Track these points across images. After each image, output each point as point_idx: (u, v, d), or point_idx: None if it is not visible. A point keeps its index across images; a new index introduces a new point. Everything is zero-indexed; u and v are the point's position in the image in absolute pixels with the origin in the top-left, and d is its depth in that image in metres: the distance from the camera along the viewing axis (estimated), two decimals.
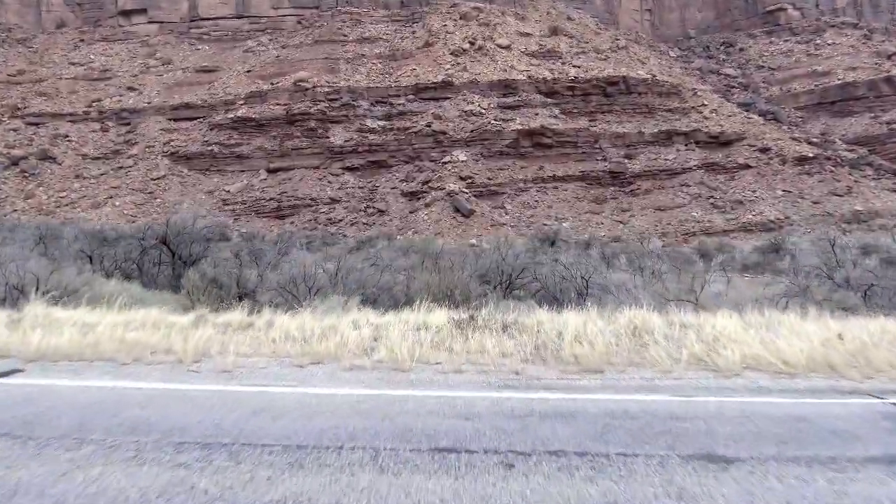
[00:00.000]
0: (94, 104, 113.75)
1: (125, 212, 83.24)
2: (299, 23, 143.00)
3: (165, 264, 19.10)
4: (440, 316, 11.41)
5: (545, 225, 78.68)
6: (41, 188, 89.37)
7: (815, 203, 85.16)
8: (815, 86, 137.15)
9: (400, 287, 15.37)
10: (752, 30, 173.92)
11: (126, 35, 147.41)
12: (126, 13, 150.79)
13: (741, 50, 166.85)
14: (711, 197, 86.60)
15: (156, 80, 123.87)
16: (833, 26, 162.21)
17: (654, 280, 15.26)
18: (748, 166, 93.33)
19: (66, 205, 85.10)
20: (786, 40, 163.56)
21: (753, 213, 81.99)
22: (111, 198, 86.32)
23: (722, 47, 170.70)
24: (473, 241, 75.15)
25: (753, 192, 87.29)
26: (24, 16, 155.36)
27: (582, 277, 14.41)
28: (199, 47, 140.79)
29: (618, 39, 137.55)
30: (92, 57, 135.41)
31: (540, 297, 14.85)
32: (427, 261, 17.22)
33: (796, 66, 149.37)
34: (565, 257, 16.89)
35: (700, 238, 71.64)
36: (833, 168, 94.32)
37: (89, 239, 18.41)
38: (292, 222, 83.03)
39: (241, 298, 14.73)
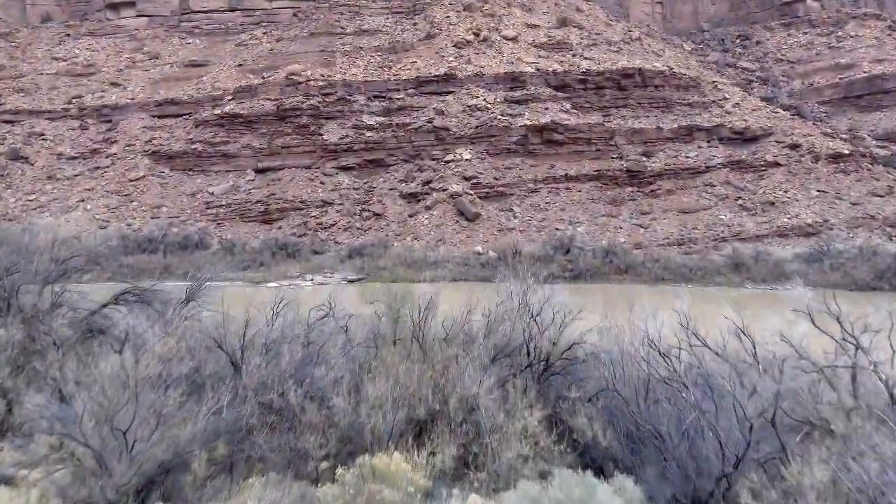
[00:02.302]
0: (74, 101, 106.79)
1: (97, 216, 76.00)
2: (295, 15, 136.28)
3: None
4: None
5: (558, 230, 71.27)
6: (9, 190, 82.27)
7: (854, 204, 77.34)
8: (840, 79, 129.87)
9: (342, 403, 7.96)
10: (769, 22, 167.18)
11: (114, 29, 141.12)
12: (114, 6, 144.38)
13: (758, 43, 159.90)
14: (739, 198, 78.92)
15: (142, 75, 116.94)
16: (855, 18, 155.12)
17: None
18: (777, 164, 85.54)
19: (35, 209, 77.95)
20: (805, 32, 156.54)
21: (788, 215, 74.24)
22: (83, 201, 79.10)
23: (738, 40, 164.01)
24: (479, 248, 67.84)
25: (785, 192, 79.53)
26: (8, 9, 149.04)
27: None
28: (190, 41, 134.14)
29: (631, 31, 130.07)
30: (76, 52, 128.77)
31: (624, 432, 7.35)
32: (402, 325, 10.07)
33: (818, 59, 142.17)
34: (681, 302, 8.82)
35: (732, 244, 64.16)
36: (870, 166, 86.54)
37: None
38: (280, 227, 75.76)
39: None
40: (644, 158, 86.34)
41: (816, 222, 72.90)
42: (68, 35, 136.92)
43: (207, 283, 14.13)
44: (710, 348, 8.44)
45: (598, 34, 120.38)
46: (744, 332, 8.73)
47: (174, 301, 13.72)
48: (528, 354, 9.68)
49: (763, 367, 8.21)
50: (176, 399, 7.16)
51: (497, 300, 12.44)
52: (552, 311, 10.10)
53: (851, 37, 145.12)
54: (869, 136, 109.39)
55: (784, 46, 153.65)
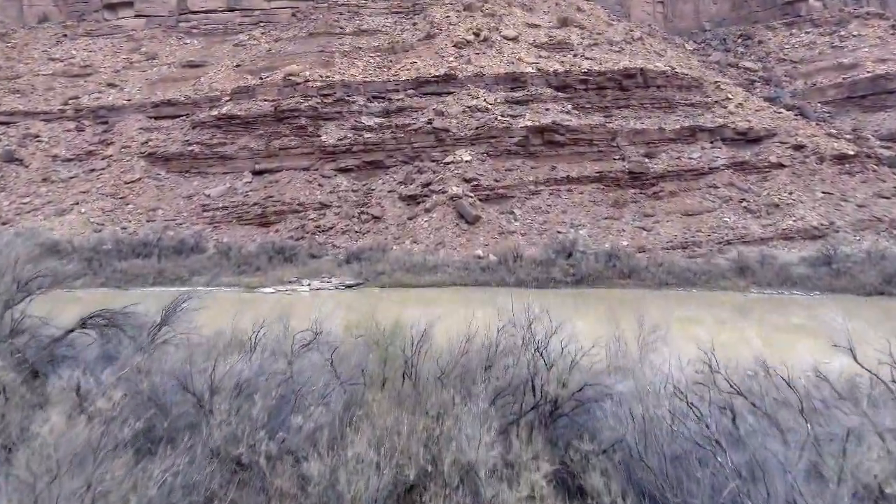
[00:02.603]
0: (70, 102, 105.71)
1: (92, 219, 74.91)
2: (294, 15, 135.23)
3: None
4: None
5: (559, 233, 70.18)
6: (3, 193, 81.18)
7: (860, 206, 76.19)
8: (843, 79, 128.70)
9: (317, 467, 6.88)
10: (771, 21, 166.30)
11: (112, 29, 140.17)
12: (112, 6, 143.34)
13: (760, 42, 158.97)
14: (744, 200, 77.76)
15: (139, 76, 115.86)
16: (857, 17, 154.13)
17: None
18: (782, 165, 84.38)
19: (29, 212, 76.85)
20: (807, 32, 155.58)
21: (794, 218, 73.08)
22: (77, 204, 77.99)
23: (739, 40, 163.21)
24: (479, 251, 66.75)
25: (790, 193, 78.37)
26: (5, 10, 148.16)
27: None
28: (188, 42, 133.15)
29: (632, 31, 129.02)
30: (73, 52, 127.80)
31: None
32: (391, 363, 8.95)
33: (820, 59, 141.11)
34: None
35: (737, 247, 63.03)
36: (876, 167, 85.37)
37: None
38: (277, 230, 74.63)
39: None
40: (646, 160, 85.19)
41: (822, 225, 71.76)
42: (65, 35, 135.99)
43: (185, 304, 13.03)
44: (745, 396, 7.33)
45: (600, 34, 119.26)
46: (788, 384, 7.60)
47: (148, 324, 12.64)
48: (534, 393, 8.60)
49: (809, 424, 7.08)
50: (114, 473, 6.04)
51: (498, 323, 11.34)
52: (560, 345, 9.02)
53: (854, 36, 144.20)
54: (873, 136, 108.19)
55: (786, 46, 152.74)
